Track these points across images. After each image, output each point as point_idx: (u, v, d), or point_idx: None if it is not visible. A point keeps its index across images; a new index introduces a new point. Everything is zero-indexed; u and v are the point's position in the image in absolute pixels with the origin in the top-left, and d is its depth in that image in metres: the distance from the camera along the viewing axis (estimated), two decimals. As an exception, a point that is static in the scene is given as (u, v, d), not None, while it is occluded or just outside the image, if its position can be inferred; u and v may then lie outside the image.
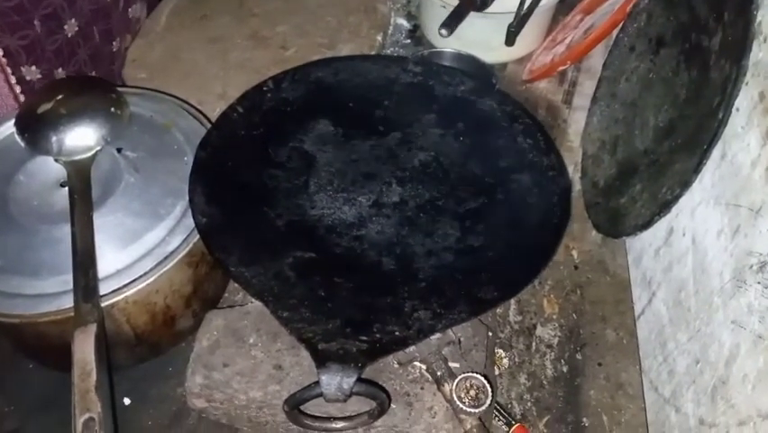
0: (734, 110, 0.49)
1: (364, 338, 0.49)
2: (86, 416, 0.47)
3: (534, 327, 0.65)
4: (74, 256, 0.53)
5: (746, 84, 0.48)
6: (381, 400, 0.48)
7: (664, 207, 0.55)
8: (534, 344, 0.64)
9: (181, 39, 0.84)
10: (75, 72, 0.73)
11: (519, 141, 0.65)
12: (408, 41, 0.93)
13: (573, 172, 0.74)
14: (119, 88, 0.66)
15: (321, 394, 0.47)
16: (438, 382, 0.52)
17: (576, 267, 0.70)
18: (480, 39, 0.84)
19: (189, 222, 0.56)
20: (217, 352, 0.54)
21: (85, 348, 0.50)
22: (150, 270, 0.55)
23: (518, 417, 0.59)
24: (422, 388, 0.53)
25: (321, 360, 0.47)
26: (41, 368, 0.61)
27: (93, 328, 0.50)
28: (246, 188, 0.60)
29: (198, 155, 0.59)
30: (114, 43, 0.78)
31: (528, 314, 0.66)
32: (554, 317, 0.66)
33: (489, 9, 0.84)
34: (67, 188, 0.58)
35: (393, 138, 0.65)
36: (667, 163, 0.56)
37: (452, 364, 0.53)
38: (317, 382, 0.47)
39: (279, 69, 0.68)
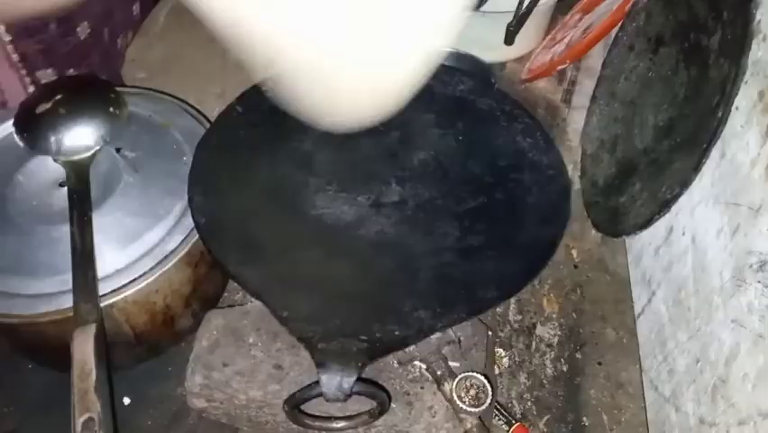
0: (733, 109, 0.49)
1: (364, 338, 0.49)
2: (86, 416, 0.47)
3: (534, 326, 0.65)
4: (73, 256, 0.53)
5: (746, 83, 0.48)
6: (381, 399, 0.48)
7: (664, 206, 0.55)
8: (534, 343, 0.64)
9: (180, 38, 0.83)
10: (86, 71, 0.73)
11: (518, 140, 0.65)
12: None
13: (573, 171, 0.74)
14: (118, 88, 0.66)
15: (321, 394, 0.47)
16: (438, 382, 0.52)
17: (576, 266, 0.70)
18: (479, 38, 0.83)
19: (188, 222, 0.56)
20: (217, 351, 0.54)
21: (84, 348, 0.50)
22: (150, 269, 0.55)
23: (518, 416, 0.59)
24: (422, 387, 0.53)
25: (321, 359, 0.47)
26: (41, 368, 0.61)
27: (92, 328, 0.50)
28: (245, 187, 0.60)
29: (197, 155, 0.59)
30: (118, 41, 0.78)
31: (528, 313, 0.66)
32: (554, 316, 0.66)
33: (488, 8, 0.84)
34: (66, 188, 0.58)
35: (392, 138, 0.65)
36: (666, 162, 0.56)
37: (452, 364, 0.53)
38: (317, 381, 0.47)
39: (278, 69, 0.68)
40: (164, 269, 0.55)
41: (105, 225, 0.56)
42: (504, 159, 0.63)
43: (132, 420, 0.57)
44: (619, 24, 0.70)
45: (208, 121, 0.66)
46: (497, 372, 0.61)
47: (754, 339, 0.43)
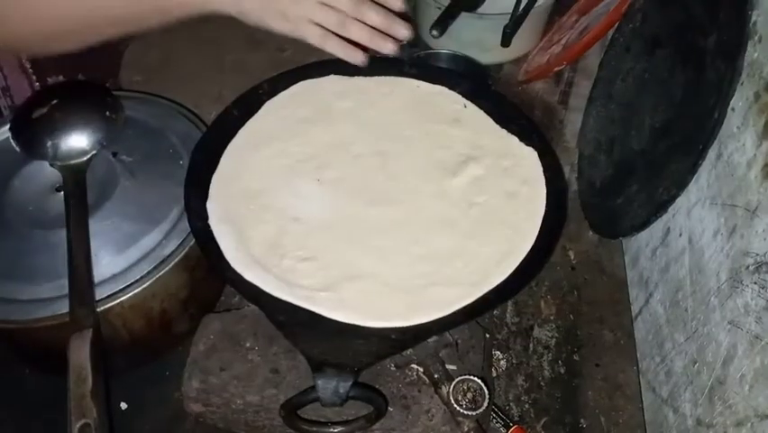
0: (729, 110, 0.49)
1: (360, 342, 0.49)
2: (82, 421, 0.47)
3: (532, 328, 0.65)
4: (69, 261, 0.53)
5: (742, 84, 0.48)
6: (378, 403, 0.48)
7: (661, 207, 0.55)
8: (531, 345, 0.64)
9: (177, 42, 0.83)
10: (93, 77, 0.73)
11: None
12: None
13: (570, 173, 0.74)
14: (114, 92, 0.66)
15: (318, 398, 0.47)
16: (435, 385, 0.52)
17: (573, 268, 0.70)
18: (476, 40, 0.84)
19: (185, 226, 0.56)
20: (214, 356, 0.54)
21: (81, 353, 0.50)
22: (147, 274, 0.55)
23: (516, 418, 0.59)
24: (419, 391, 0.52)
25: (317, 364, 0.47)
26: (37, 373, 0.61)
27: (89, 333, 0.50)
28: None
29: (194, 158, 0.59)
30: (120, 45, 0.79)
31: (525, 315, 0.66)
32: (552, 318, 0.66)
33: (485, 10, 0.84)
34: (62, 193, 0.58)
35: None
36: (663, 164, 0.56)
37: (449, 367, 0.53)
38: (314, 385, 0.47)
39: (275, 72, 0.68)
40: (161, 273, 0.55)
41: (101, 229, 0.56)
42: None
43: (129, 425, 0.57)
44: (616, 26, 0.70)
45: (205, 124, 0.66)
46: (494, 374, 0.61)
47: (751, 340, 0.43)
